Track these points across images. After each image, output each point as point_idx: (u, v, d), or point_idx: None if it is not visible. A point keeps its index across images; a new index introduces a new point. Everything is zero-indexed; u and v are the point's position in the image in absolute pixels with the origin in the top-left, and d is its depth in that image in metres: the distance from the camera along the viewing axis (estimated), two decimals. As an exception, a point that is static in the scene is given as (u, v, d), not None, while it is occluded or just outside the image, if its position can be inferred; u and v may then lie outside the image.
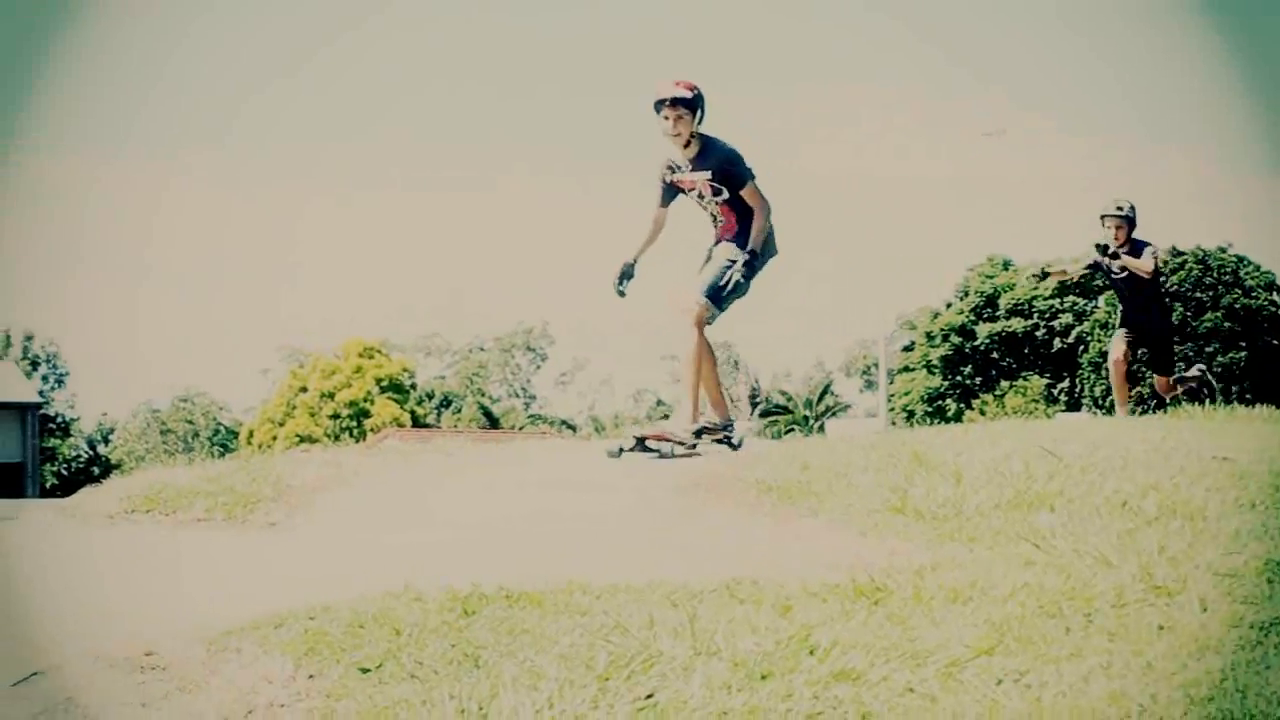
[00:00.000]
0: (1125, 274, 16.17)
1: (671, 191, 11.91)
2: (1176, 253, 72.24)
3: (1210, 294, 71.87)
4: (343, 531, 8.53)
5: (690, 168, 11.60)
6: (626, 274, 11.95)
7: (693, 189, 11.70)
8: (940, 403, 78.44)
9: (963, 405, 76.22)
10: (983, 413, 69.15)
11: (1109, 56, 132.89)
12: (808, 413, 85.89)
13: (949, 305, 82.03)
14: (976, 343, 79.71)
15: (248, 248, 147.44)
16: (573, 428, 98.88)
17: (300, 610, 5.60)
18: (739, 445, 11.67)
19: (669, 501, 8.71)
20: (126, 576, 7.70)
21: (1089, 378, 73.10)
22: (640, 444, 11.29)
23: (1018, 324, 78.68)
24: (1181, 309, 69.31)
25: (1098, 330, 71.26)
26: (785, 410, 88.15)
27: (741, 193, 11.52)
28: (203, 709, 4.42)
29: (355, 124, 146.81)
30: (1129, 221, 16.09)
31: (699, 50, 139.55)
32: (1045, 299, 78.51)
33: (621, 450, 11.26)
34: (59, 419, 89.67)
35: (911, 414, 75.87)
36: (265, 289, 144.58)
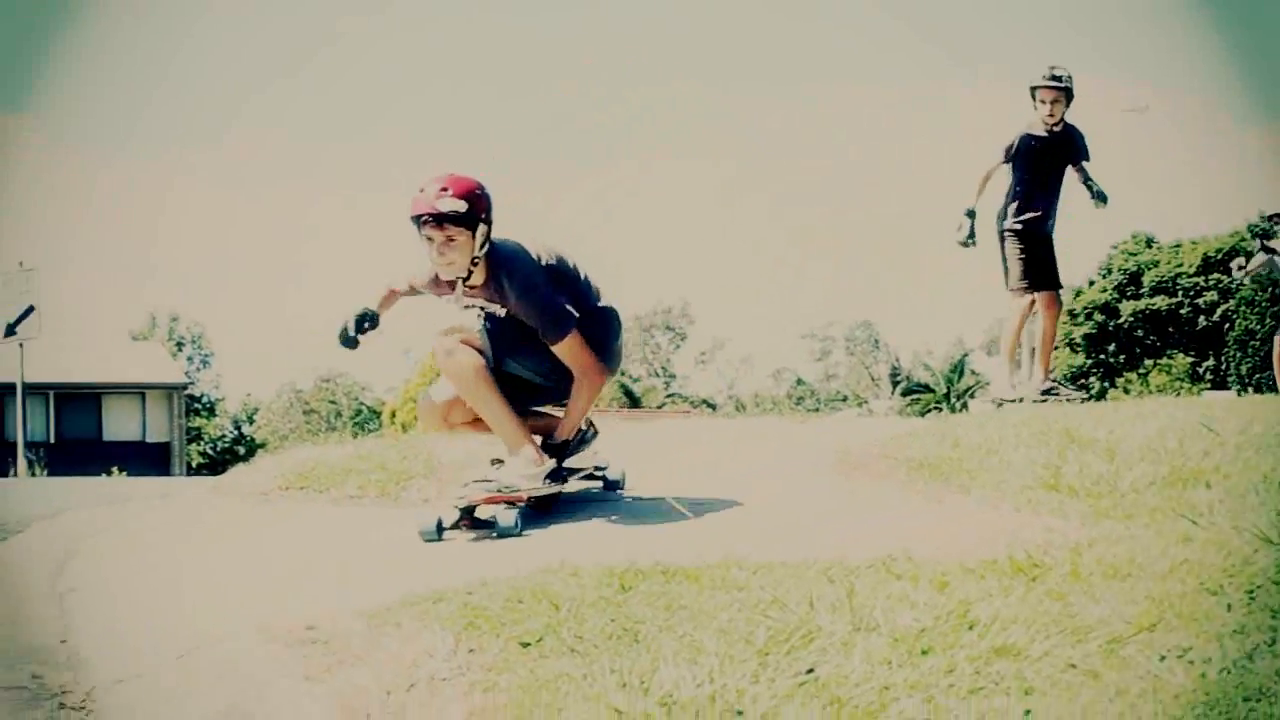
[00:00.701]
0: (1047, 159, 13.41)
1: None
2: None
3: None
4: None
5: (479, 294, 8.06)
6: (367, 319, 8.42)
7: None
8: (1083, 381, 77.71)
9: (1106, 384, 75.41)
10: (1126, 391, 68.36)
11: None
12: (949, 388, 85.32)
13: (1092, 283, 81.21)
14: (1120, 320, 78.88)
15: (387, 233, 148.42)
16: (713, 406, 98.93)
17: (458, 586, 5.66)
18: (620, 483, 8.94)
19: (819, 479, 8.71)
20: (283, 552, 7.81)
21: (1234, 355, 72.02)
22: (468, 515, 7.81)
23: (1162, 301, 77.78)
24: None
25: (1244, 308, 70.21)
26: (927, 389, 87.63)
27: (557, 349, 7.94)
28: (365, 682, 4.47)
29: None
30: (1067, 94, 13.36)
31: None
32: (1189, 276, 77.62)
33: (441, 528, 7.63)
34: (204, 399, 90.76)
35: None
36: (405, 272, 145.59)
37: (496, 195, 7.75)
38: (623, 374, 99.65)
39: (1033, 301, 13.63)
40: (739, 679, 3.91)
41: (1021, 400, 13.39)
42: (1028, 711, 3.55)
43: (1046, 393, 13.61)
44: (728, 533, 6.94)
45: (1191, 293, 77.95)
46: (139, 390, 59.43)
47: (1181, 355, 75.99)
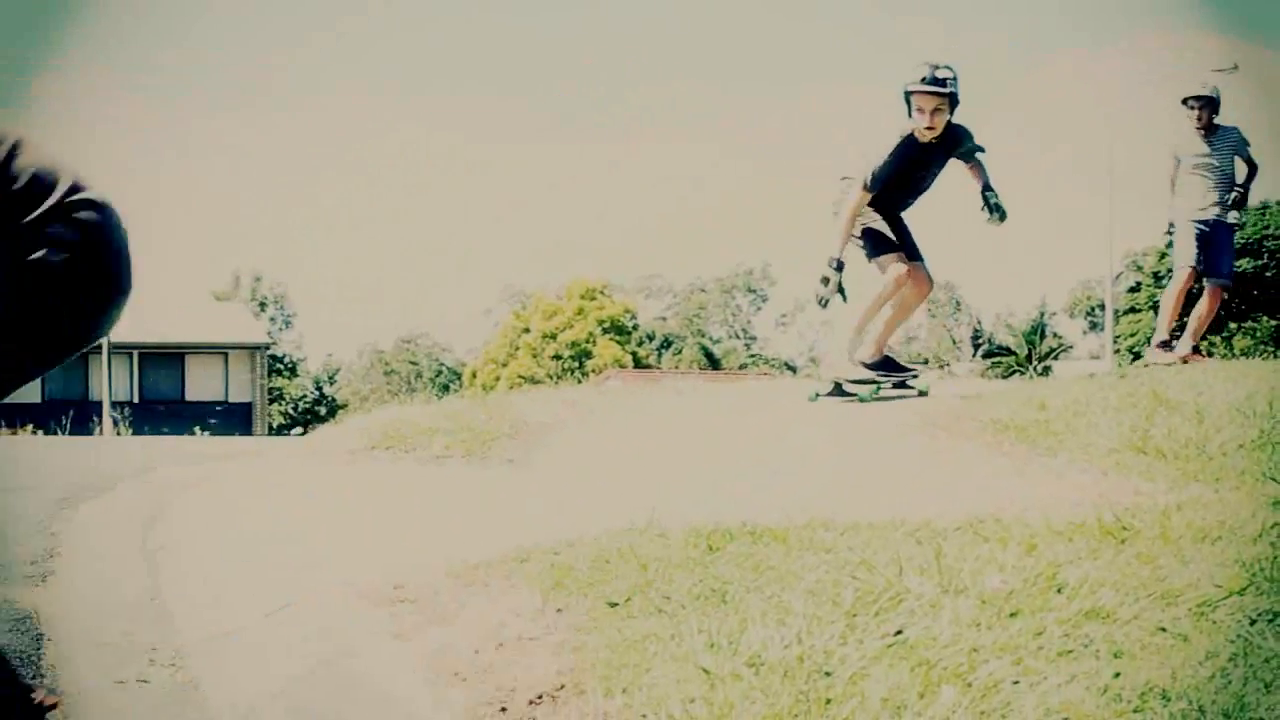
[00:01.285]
0: (922, 160, 10.92)
1: None
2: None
3: None
4: (582, 468, 8.61)
5: None
6: None
7: None
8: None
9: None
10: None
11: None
12: (1031, 351, 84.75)
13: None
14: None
15: (465, 192, 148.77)
16: (793, 369, 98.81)
17: (545, 545, 5.68)
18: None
19: (905, 441, 8.69)
20: (371, 511, 7.85)
21: (1321, 318, 71.49)
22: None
23: (1246, 264, 77.00)
24: None
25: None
26: (1009, 351, 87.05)
27: None
28: (453, 641, 4.50)
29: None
30: (951, 100, 10.65)
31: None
32: (1275, 238, 76.91)
33: None
34: (286, 359, 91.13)
35: (1137, 355, 74.61)
36: (485, 233, 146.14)
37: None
38: (702, 336, 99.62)
39: (908, 271, 10.99)
40: (827, 640, 3.91)
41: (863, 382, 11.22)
42: (1117, 674, 3.54)
43: (877, 366, 11.13)
44: (814, 494, 6.94)
45: (1278, 255, 77.24)
46: (222, 350, 59.78)
47: (1266, 318, 75.24)
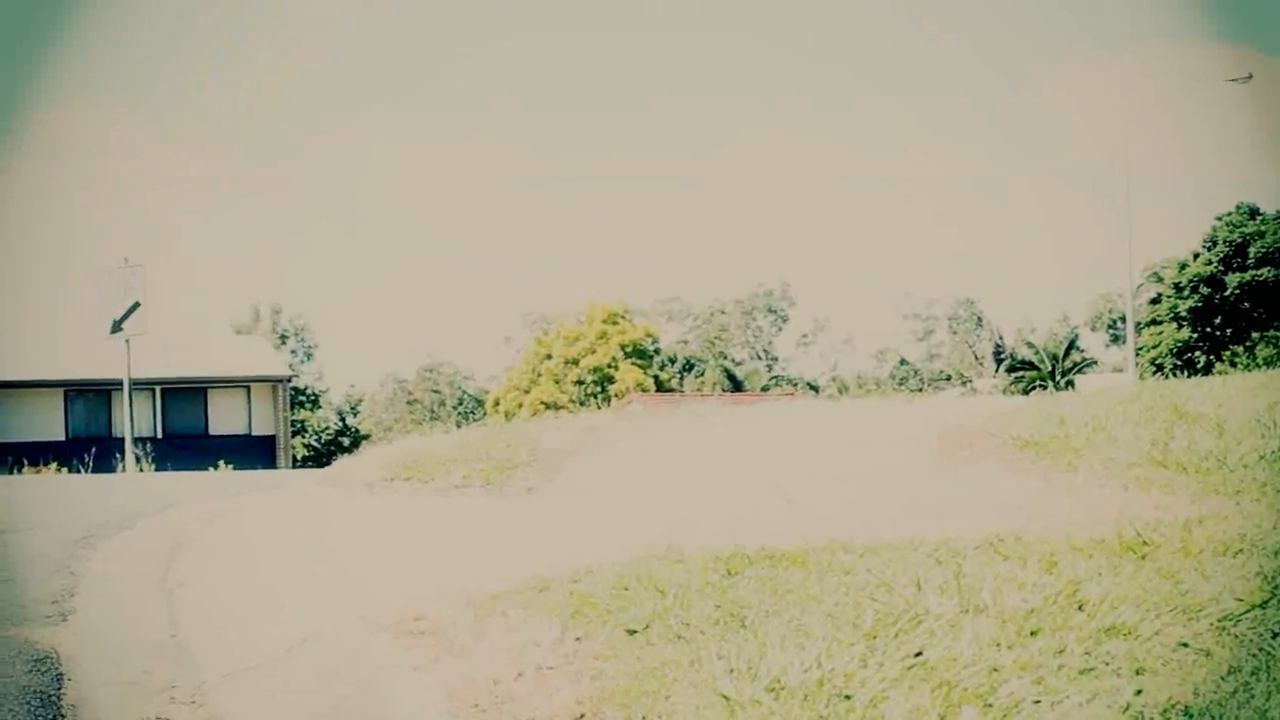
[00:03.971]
0: None
1: None
2: None
3: None
4: (600, 495, 8.59)
5: None
6: None
7: None
8: (1189, 355, 76.93)
9: (1212, 358, 74.59)
10: (1233, 365, 67.54)
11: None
12: (1054, 366, 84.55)
13: (1197, 255, 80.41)
14: (1226, 293, 78.05)
15: (482, 221, 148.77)
16: (815, 388, 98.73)
17: (564, 573, 5.67)
18: None
19: (926, 459, 8.67)
20: (390, 542, 7.85)
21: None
22: None
23: (1268, 273, 76.90)
24: None
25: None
26: (1031, 366, 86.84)
27: None
28: (473, 672, 4.48)
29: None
30: None
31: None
32: (1295, 247, 76.78)
33: None
34: (308, 391, 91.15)
35: (1160, 367, 74.42)
36: (505, 259, 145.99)
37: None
38: (724, 358, 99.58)
39: None
40: (847, 663, 3.89)
41: None
42: (1139, 691, 3.52)
43: None
44: (832, 515, 6.92)
45: (1298, 264, 77.09)
46: (244, 384, 59.81)
47: (1290, 328, 75.01)
